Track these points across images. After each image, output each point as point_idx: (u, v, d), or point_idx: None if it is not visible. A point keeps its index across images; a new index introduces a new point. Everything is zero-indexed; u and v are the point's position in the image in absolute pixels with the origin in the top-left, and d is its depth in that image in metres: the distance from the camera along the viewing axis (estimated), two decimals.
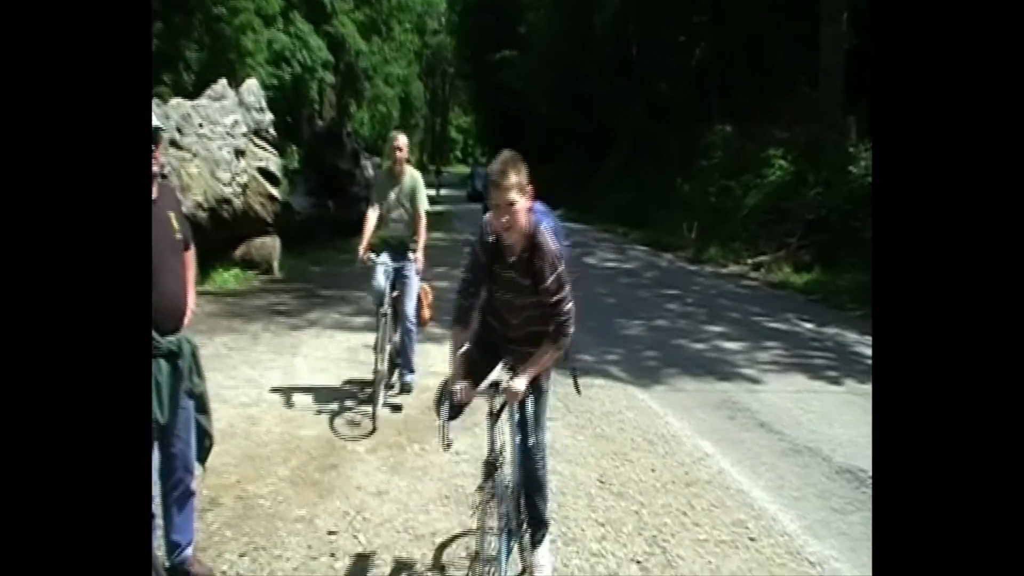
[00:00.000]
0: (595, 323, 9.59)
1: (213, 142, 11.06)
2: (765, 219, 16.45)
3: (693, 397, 6.69)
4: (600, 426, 5.83)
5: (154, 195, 3.19)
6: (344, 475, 4.83)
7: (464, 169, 66.61)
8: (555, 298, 3.11)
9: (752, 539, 4.12)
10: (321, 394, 6.44)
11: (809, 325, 9.84)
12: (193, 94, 13.97)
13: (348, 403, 6.31)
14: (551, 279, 3.07)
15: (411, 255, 6.15)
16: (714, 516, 4.37)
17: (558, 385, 6.74)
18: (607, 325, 9.50)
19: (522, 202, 3.01)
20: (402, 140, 6.36)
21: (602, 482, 4.79)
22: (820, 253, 13.98)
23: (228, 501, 4.44)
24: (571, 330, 3.19)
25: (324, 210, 17.26)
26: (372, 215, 6.34)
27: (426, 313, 6.41)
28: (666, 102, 25.44)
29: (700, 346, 8.53)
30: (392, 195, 6.31)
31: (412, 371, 6.52)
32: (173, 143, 10.12)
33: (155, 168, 3.33)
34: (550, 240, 3.09)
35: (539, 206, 3.19)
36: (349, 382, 6.93)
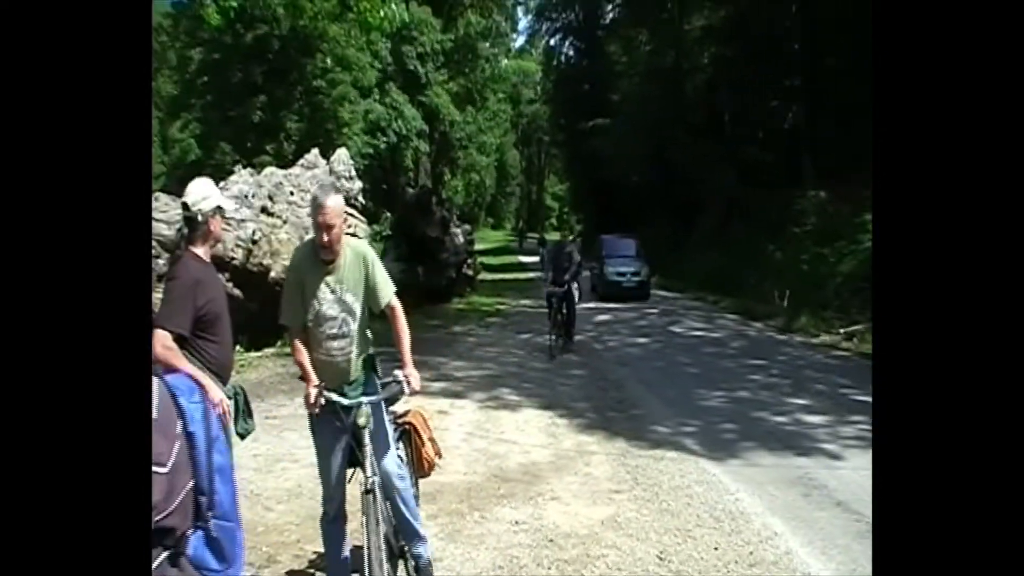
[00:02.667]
0: (674, 393, 9.44)
1: (303, 209, 11.52)
2: (859, 287, 15.93)
3: (768, 472, 6.44)
4: (666, 500, 5.68)
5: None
6: None
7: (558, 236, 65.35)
8: None
9: None
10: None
11: None
12: (292, 162, 14.66)
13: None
14: None
15: (397, 374, 3.85)
16: None
17: (628, 457, 6.74)
18: (686, 396, 9.32)
19: None
20: (330, 204, 3.60)
21: (661, 559, 4.64)
22: None
23: (285, 559, 4.52)
24: None
25: (413, 276, 17.65)
26: (294, 335, 3.80)
27: (429, 453, 4.41)
28: (757, 166, 25.18)
29: (781, 419, 8.24)
30: (324, 292, 3.73)
31: (423, 539, 4.09)
32: (264, 209, 10.59)
33: (219, 234, 3.71)
34: None
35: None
36: None
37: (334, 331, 3.76)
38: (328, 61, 21.52)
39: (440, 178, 35.51)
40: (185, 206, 3.75)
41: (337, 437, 3.76)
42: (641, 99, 34.65)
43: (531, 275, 31.62)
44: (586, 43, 45.62)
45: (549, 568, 4.48)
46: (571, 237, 14.91)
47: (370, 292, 3.82)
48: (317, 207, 3.61)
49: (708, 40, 30.76)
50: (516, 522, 5.19)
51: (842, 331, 14.61)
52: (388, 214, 25.09)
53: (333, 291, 3.73)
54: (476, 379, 10.26)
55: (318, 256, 3.71)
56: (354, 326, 3.80)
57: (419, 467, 4.36)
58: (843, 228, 18.26)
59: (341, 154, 13.88)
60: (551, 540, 4.89)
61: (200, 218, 3.72)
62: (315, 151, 13.44)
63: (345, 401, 3.69)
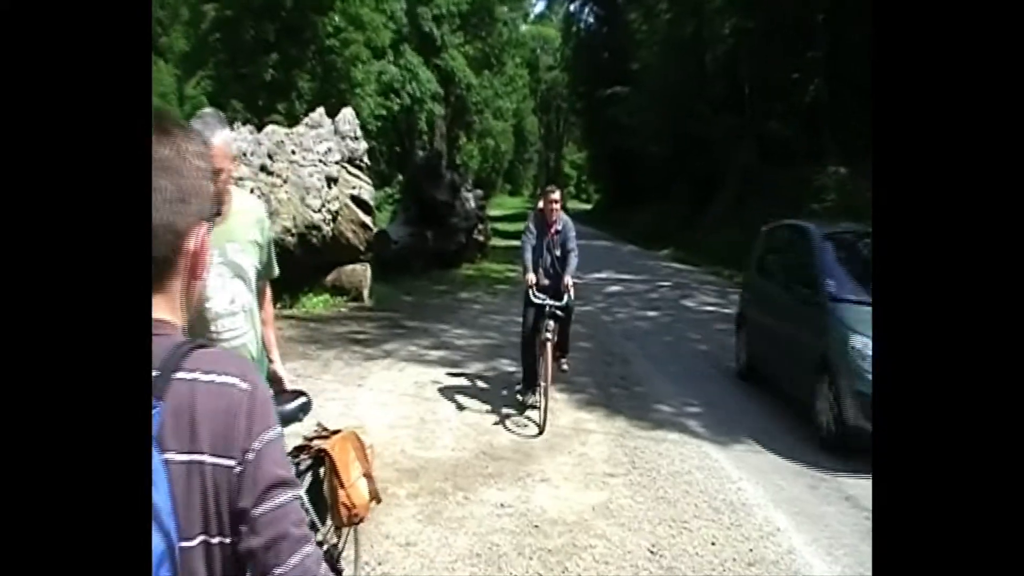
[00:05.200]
0: (679, 370, 9.07)
1: (304, 169, 11.15)
2: None
3: (774, 460, 6.08)
4: (664, 487, 5.34)
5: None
6: (376, 520, 4.49)
7: (579, 205, 62.27)
8: None
9: None
10: (373, 431, 6.17)
11: None
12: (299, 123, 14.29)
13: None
14: None
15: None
16: None
17: (627, 438, 6.40)
18: (692, 373, 8.94)
19: None
20: (218, 143, 2.63)
21: (653, 552, 4.31)
22: None
23: None
24: None
25: (422, 240, 17.31)
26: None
27: (351, 497, 3.14)
28: (777, 141, 24.52)
29: None
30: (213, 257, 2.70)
31: None
32: (263, 168, 10.24)
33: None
34: None
35: None
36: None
37: (223, 307, 2.76)
38: (340, 20, 20.99)
39: (455, 142, 34.95)
40: None
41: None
42: (661, 69, 33.89)
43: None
44: (606, 10, 44.86)
45: (530, 558, 4.17)
46: (555, 199, 7.24)
47: (266, 264, 2.97)
48: (202, 126, 2.60)
49: (730, 10, 29.92)
50: (501, 504, 4.88)
51: None
52: (400, 177, 24.68)
53: (221, 251, 2.74)
54: (477, 348, 9.92)
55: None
56: (249, 298, 2.84)
57: (335, 513, 3.16)
58: (864, 205, 17.71)
59: (347, 113, 13.46)
60: (536, 526, 4.57)
61: None
62: (320, 110, 13.02)
63: None
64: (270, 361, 3.11)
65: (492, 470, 5.53)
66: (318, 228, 11.21)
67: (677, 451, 6.15)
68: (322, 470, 3.15)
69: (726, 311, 14.63)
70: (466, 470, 5.52)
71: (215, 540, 1.07)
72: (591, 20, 47.75)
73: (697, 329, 12.18)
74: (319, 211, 11.14)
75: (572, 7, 49.74)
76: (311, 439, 3.23)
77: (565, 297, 6.90)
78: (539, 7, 60.04)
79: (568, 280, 6.92)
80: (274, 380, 3.05)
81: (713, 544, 4.45)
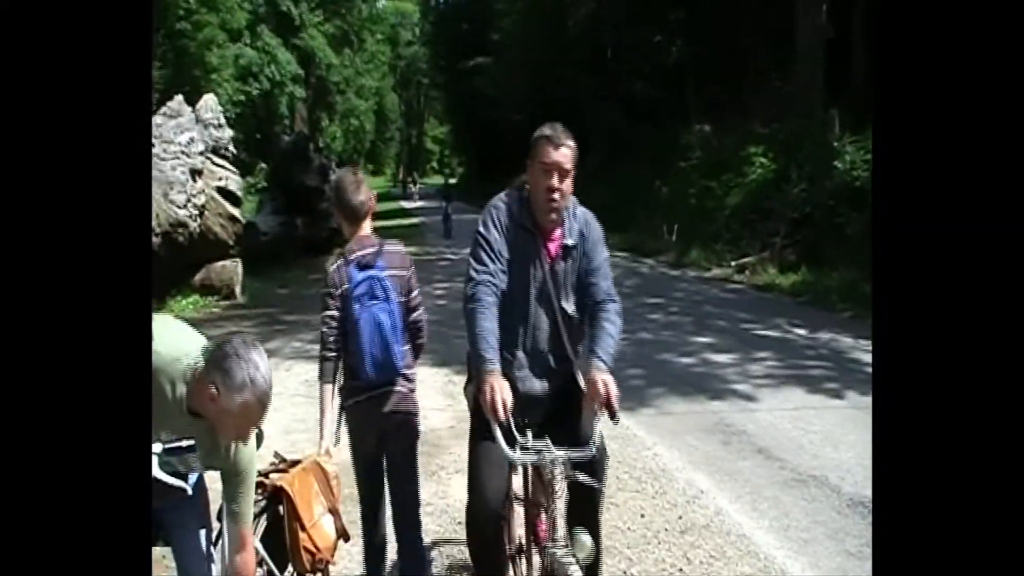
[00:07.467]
0: None
1: (166, 162, 10.44)
2: (748, 218, 15.96)
3: (683, 421, 6.11)
4: None
5: None
6: None
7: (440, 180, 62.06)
8: None
9: None
10: (270, 439, 5.78)
11: (801, 331, 9.29)
12: (154, 112, 13.40)
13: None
14: None
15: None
16: (715, 571, 3.79)
17: None
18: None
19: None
20: None
21: None
22: (806, 251, 13.47)
23: None
24: None
25: (292, 229, 16.70)
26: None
27: (312, 541, 2.87)
28: (643, 102, 24.91)
29: (688, 360, 7.96)
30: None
31: None
32: None
33: None
34: None
35: None
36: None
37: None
38: (192, 1, 19.69)
39: (317, 124, 33.84)
40: None
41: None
42: (523, 37, 33.80)
43: (414, 220, 30.90)
44: None
45: (460, 557, 3.96)
46: (565, 163, 2.86)
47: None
48: None
49: None
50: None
51: (733, 264, 14.62)
52: (263, 165, 23.66)
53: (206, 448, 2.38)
54: None
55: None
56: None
57: (295, 558, 2.85)
58: (729, 161, 18.23)
59: (208, 100, 12.70)
60: (460, 523, 4.35)
61: None
62: (179, 98, 12.20)
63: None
64: None
65: None
66: (184, 225, 10.54)
67: None
68: (281, 509, 2.84)
69: None
70: None
71: (404, 300, 3.14)
72: None
73: None
74: (184, 207, 10.46)
75: None
76: (267, 474, 2.88)
77: (595, 432, 2.63)
78: None
79: (603, 382, 2.56)
80: None
81: (642, 516, 4.38)
